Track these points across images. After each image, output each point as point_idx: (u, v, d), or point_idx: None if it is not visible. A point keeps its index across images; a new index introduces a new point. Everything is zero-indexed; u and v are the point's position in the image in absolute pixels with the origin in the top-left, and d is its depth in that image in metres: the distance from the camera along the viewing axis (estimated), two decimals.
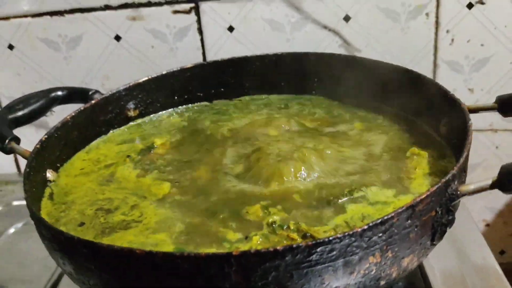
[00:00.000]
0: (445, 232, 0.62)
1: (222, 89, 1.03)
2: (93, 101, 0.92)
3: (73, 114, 0.88)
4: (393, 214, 0.55)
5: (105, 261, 0.57)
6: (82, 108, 0.90)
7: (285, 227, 0.65)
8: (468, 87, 1.14)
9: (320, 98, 0.99)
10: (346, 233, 0.53)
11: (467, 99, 1.10)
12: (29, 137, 0.96)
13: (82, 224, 0.72)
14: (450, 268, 0.85)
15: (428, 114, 0.84)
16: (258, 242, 0.63)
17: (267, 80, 1.02)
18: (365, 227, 0.54)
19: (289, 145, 0.82)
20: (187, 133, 0.93)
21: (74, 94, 0.96)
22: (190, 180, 0.78)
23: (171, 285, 0.55)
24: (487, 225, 1.29)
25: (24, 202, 1.13)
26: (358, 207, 0.68)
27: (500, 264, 0.87)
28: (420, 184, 0.72)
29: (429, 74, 1.12)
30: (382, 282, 0.59)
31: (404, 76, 0.86)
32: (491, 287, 0.81)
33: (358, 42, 1.12)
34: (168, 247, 0.64)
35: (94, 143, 0.91)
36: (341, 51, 1.12)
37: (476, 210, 1.25)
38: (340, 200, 0.69)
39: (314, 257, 0.53)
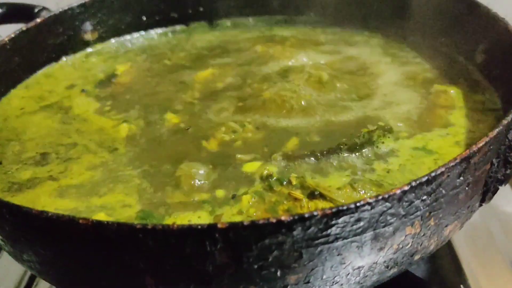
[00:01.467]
0: (497, 190, 0.47)
1: (201, 9, 0.85)
2: (39, 20, 0.74)
3: (12, 35, 0.72)
4: (443, 169, 0.39)
5: (39, 232, 0.41)
6: (24, 28, 0.74)
7: (285, 181, 0.49)
8: None
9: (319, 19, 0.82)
10: (381, 197, 0.37)
11: None
12: None
13: None
14: (473, 221, 0.70)
15: (460, 38, 0.67)
16: (250, 203, 0.47)
17: None
18: (406, 187, 0.38)
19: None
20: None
21: (16, 12, 0.81)
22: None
23: (129, 266, 0.39)
24: None
25: None
26: (379, 153, 0.52)
27: None
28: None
29: None
30: (417, 257, 0.44)
31: None
32: None
33: None
34: (132, 210, 0.48)
35: (37, 74, 0.73)
36: None
37: None
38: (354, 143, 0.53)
39: (333, 230, 0.37)
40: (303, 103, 0.59)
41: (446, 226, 0.44)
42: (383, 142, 0.53)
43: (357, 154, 0.52)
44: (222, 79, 0.69)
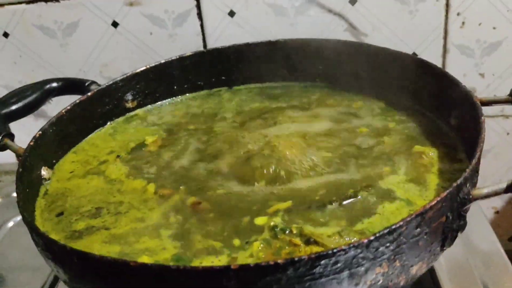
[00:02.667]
0: (456, 237, 0.59)
1: (223, 78, 0.99)
2: (89, 94, 0.89)
3: (68, 107, 0.85)
4: (401, 223, 0.52)
5: (100, 272, 0.55)
6: (78, 101, 0.87)
7: (287, 231, 0.62)
8: (479, 72, 1.09)
9: (322, 85, 0.96)
10: (351, 245, 0.50)
11: (478, 85, 1.07)
12: (27, 126, 0.93)
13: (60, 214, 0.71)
14: (456, 255, 0.83)
15: (438, 105, 0.80)
16: (259, 248, 0.60)
17: (270, 67, 0.98)
18: (372, 237, 0.51)
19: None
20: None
21: (70, 86, 0.93)
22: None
23: None
24: (497, 212, 1.26)
25: None
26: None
27: (509, 251, 0.85)
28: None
29: (438, 59, 1.08)
30: None
31: (413, 66, 0.82)
32: (497, 275, 0.79)
33: (365, 26, 1.07)
34: (168, 253, 0.62)
35: (81, 143, 0.87)
36: (347, 35, 1.08)
37: None
38: (345, 201, 0.66)
39: (317, 269, 0.50)
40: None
41: (411, 266, 0.56)
42: (367, 198, 0.66)
43: (344, 208, 0.65)
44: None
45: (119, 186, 0.75)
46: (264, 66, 0.99)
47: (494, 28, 1.05)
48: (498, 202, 1.24)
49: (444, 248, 0.59)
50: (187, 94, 0.99)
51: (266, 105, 0.94)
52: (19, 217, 1.05)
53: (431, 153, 0.74)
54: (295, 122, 0.86)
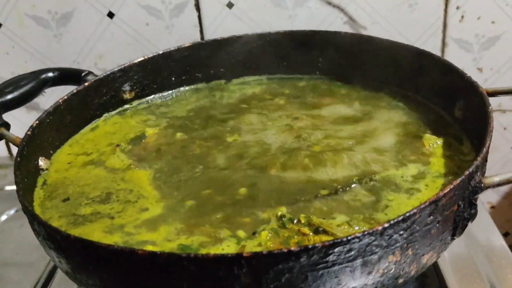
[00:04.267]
0: (466, 226, 0.58)
1: (221, 69, 0.98)
2: (86, 84, 0.87)
3: (65, 97, 0.83)
4: (415, 210, 0.51)
5: (105, 261, 0.53)
6: (75, 91, 0.85)
7: (295, 220, 0.61)
8: (477, 66, 1.09)
9: (324, 78, 0.95)
10: (366, 232, 0.49)
11: (475, 79, 1.05)
12: (19, 118, 0.91)
13: (66, 199, 0.70)
14: (458, 249, 0.82)
15: (442, 97, 0.79)
16: (268, 237, 0.59)
17: (268, 59, 0.97)
18: (386, 225, 0.50)
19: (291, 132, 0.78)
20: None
21: (66, 76, 0.91)
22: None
23: (175, 287, 0.51)
24: (492, 207, 1.26)
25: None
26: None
27: None
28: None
29: (437, 53, 1.07)
30: (400, 280, 0.56)
31: (417, 57, 0.82)
32: (500, 268, 0.79)
33: (364, 19, 1.06)
34: (173, 244, 0.60)
35: (78, 135, 0.85)
36: (346, 28, 1.07)
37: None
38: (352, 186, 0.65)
39: (331, 257, 0.49)
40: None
41: (422, 255, 0.55)
42: (371, 186, 0.66)
43: (351, 196, 0.64)
44: None
45: (122, 175, 0.74)
46: (263, 58, 0.98)
47: (492, 22, 1.05)
48: (494, 197, 1.24)
49: (454, 237, 0.59)
50: (185, 86, 0.98)
51: (265, 97, 0.92)
52: (12, 211, 1.04)
53: (435, 143, 0.73)
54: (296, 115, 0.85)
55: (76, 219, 0.67)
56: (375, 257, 0.51)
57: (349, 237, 0.49)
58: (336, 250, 0.49)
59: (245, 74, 0.99)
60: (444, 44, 1.08)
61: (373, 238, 0.50)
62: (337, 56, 0.93)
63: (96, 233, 0.64)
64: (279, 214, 0.62)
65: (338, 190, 0.66)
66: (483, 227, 0.87)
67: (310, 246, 0.48)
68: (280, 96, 0.92)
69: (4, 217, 1.03)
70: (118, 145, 0.81)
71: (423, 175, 0.68)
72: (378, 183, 0.67)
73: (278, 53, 0.97)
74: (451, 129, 0.77)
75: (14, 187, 1.07)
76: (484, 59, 1.08)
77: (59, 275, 0.86)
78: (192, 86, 0.98)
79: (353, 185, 0.66)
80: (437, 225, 0.54)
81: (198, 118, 0.88)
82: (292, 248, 0.48)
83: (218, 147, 0.78)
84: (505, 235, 1.29)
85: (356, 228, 0.59)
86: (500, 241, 0.85)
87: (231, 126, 0.84)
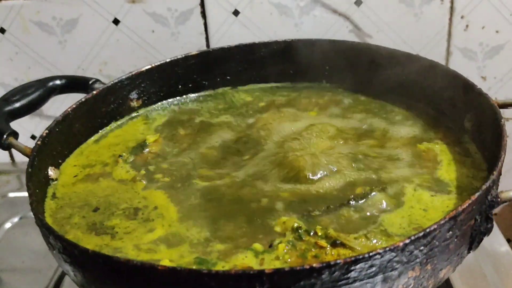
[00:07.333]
0: (481, 240, 0.59)
1: (228, 77, 0.98)
2: (94, 92, 0.86)
3: (74, 106, 0.83)
4: (435, 226, 0.51)
5: (124, 276, 0.53)
6: (83, 99, 0.84)
7: (311, 232, 0.61)
8: (481, 75, 1.10)
9: (329, 86, 0.95)
10: (387, 248, 0.49)
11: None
12: (22, 124, 0.90)
13: (96, 209, 0.69)
14: (467, 258, 0.82)
15: (452, 108, 0.80)
16: (285, 250, 0.59)
17: (275, 68, 0.97)
18: (407, 240, 0.50)
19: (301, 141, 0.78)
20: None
21: (73, 84, 0.91)
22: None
23: None
24: (494, 214, 1.27)
25: (20, 194, 1.09)
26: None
27: None
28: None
29: (441, 61, 1.08)
30: None
31: (426, 68, 0.82)
32: (507, 276, 0.80)
33: (369, 27, 1.07)
34: (190, 256, 0.60)
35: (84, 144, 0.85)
36: (352, 36, 1.07)
37: None
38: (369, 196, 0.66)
39: (352, 274, 0.49)
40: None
41: (440, 269, 0.56)
42: (382, 197, 0.66)
43: (367, 208, 0.64)
44: None
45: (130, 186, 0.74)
46: (269, 66, 0.98)
47: (497, 31, 1.06)
48: None
49: (470, 251, 0.59)
50: (192, 94, 0.97)
51: (270, 105, 0.92)
52: (16, 218, 1.03)
53: (445, 154, 0.74)
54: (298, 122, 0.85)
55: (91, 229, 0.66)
56: (396, 273, 0.51)
57: (371, 253, 0.49)
58: (358, 266, 0.49)
59: (251, 82, 0.99)
60: (448, 53, 1.08)
61: (394, 254, 0.50)
62: (344, 65, 0.93)
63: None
64: (295, 225, 0.62)
65: (353, 201, 0.66)
66: (491, 240, 0.87)
67: (332, 263, 0.48)
68: (288, 105, 0.92)
69: (8, 225, 1.02)
70: (120, 156, 0.80)
71: (433, 187, 0.69)
72: (387, 193, 0.67)
73: (285, 61, 0.97)
74: (461, 140, 0.77)
75: (17, 194, 1.09)
76: (488, 68, 1.09)
77: (67, 282, 0.86)
78: (198, 94, 0.98)
79: (371, 194, 0.66)
80: (455, 240, 0.54)
81: (203, 125, 0.88)
82: (314, 265, 0.48)
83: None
84: (507, 241, 1.29)
85: (374, 241, 0.59)
86: (506, 248, 0.86)
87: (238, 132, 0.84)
